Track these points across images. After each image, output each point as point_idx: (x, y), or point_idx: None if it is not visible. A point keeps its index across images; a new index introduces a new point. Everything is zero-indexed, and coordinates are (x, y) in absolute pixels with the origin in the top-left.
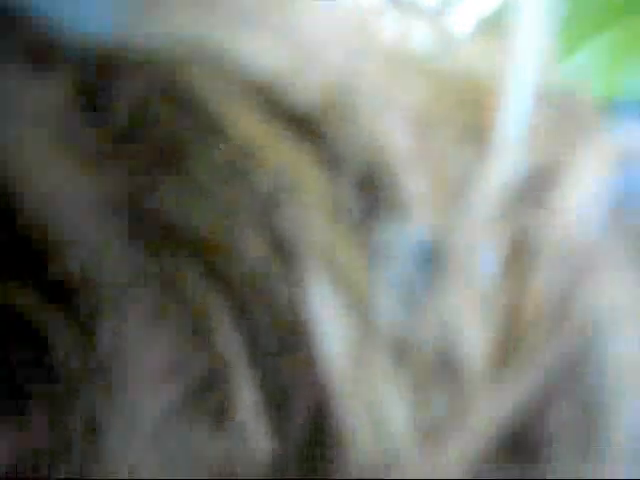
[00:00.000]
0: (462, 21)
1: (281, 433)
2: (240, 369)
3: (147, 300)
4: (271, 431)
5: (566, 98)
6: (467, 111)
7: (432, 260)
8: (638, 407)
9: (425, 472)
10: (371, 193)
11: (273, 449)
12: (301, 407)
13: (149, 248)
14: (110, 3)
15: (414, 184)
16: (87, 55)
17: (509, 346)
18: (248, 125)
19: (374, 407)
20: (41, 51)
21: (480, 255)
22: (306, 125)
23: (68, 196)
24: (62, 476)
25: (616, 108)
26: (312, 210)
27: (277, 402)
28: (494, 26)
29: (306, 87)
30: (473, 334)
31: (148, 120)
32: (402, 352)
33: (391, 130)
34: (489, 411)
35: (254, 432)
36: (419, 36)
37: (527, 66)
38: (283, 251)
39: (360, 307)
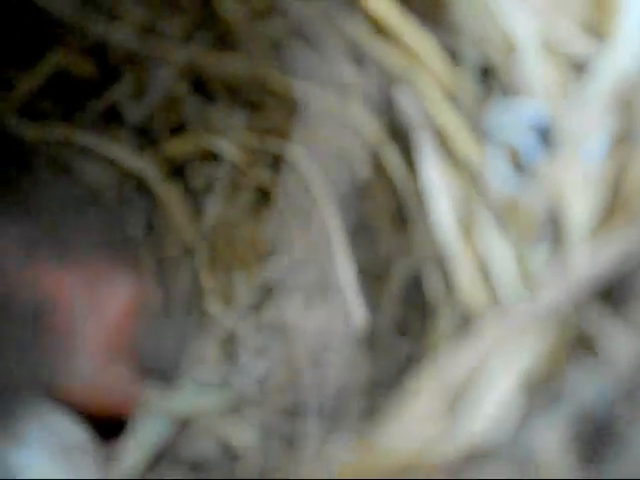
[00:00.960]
0: None
1: (377, 303)
2: (339, 243)
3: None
4: (368, 301)
5: None
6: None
7: (545, 136)
8: None
9: (524, 312)
10: (491, 77)
11: (369, 319)
12: (397, 276)
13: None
14: None
15: (534, 67)
16: None
17: (610, 212)
18: (380, 5)
19: (481, 260)
20: None
21: (590, 134)
22: (432, 10)
23: None
24: None
25: None
26: (430, 88)
27: (374, 273)
28: None
29: None
30: (578, 199)
31: None
32: (510, 212)
33: (514, 16)
34: (587, 266)
35: (352, 303)
36: None
37: None
38: (399, 128)
39: (471, 175)
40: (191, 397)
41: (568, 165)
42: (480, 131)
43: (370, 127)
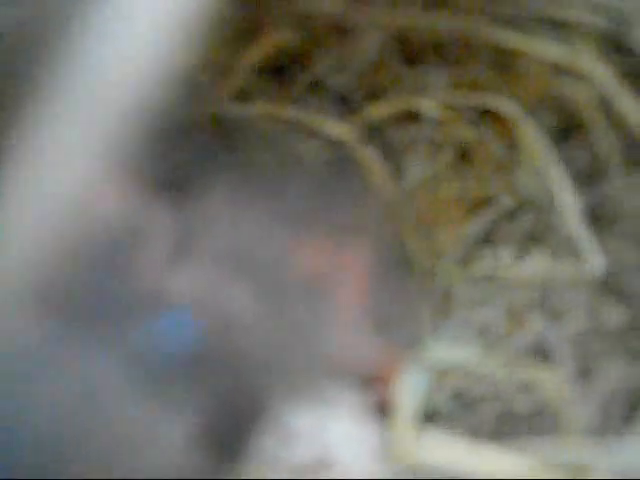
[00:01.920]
0: None
1: (608, 245)
2: (565, 190)
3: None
4: (601, 248)
5: None
6: None
7: None
8: None
9: None
10: None
11: (605, 264)
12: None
13: None
14: None
15: None
16: None
17: None
18: None
19: None
20: None
21: None
22: None
23: None
24: None
25: None
26: None
27: (601, 215)
28: None
29: None
30: None
31: None
32: None
33: None
34: None
35: (586, 249)
36: None
37: None
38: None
39: None
40: (449, 350)
41: None
42: None
43: (600, 71)
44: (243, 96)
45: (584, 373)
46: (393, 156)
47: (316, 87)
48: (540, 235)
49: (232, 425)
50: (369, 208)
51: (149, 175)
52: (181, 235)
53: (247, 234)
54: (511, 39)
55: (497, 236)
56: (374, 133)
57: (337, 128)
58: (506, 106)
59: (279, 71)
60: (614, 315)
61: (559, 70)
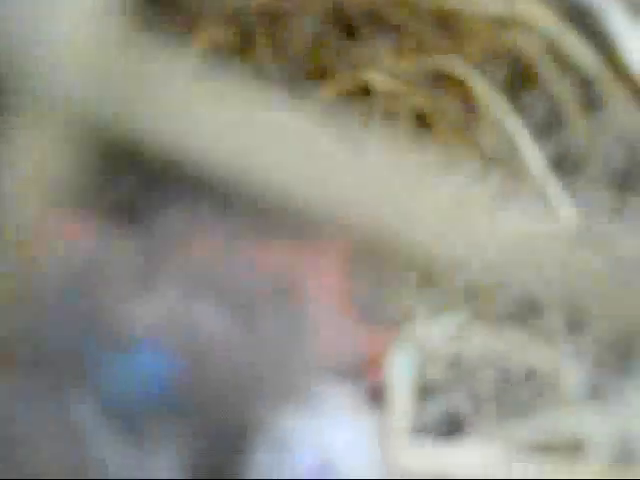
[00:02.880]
0: None
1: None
2: (526, 143)
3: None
4: (566, 195)
5: None
6: None
7: None
8: None
9: None
10: None
11: (574, 216)
12: (595, 163)
13: None
14: None
15: None
16: None
17: None
18: None
19: None
20: None
21: None
22: None
23: None
24: None
25: None
26: None
27: (567, 165)
28: None
29: None
30: None
31: None
32: None
33: None
34: None
35: (555, 199)
36: None
37: None
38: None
39: None
40: (435, 321)
41: None
42: None
43: (542, 17)
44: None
45: (573, 327)
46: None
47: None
48: (510, 193)
49: (222, 448)
50: None
51: (97, 205)
52: (140, 263)
53: (206, 251)
54: None
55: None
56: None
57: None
58: (456, 66)
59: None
60: (593, 262)
61: (503, 23)
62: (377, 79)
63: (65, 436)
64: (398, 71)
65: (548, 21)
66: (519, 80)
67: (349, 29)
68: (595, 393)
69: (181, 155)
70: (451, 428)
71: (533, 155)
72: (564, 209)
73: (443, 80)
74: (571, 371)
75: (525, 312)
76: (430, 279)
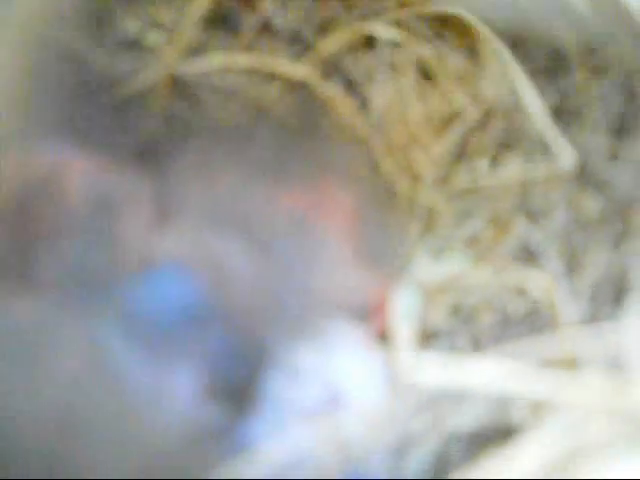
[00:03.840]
0: None
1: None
2: (527, 88)
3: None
4: (568, 139)
5: None
6: None
7: None
8: None
9: None
10: None
11: (573, 161)
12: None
13: None
14: None
15: None
16: None
17: None
18: None
19: None
20: None
21: None
22: None
23: None
24: None
25: None
26: None
27: (568, 109)
28: None
29: None
30: None
31: None
32: None
33: None
34: None
35: (555, 145)
36: None
37: None
38: None
39: None
40: (436, 264)
41: None
42: None
43: None
44: (195, 52)
45: (571, 267)
46: (355, 88)
47: (266, 30)
48: (511, 141)
49: (238, 371)
50: (341, 144)
51: (119, 147)
52: (160, 198)
53: (225, 188)
54: None
55: (470, 149)
56: (332, 68)
57: (294, 68)
58: (459, 12)
59: (226, 20)
60: (592, 205)
61: None
62: (382, 30)
63: (87, 352)
64: (401, 19)
65: None
66: (521, 30)
67: None
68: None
69: None
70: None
71: (534, 102)
72: (563, 153)
73: (446, 32)
74: (568, 305)
75: (525, 256)
76: (433, 225)
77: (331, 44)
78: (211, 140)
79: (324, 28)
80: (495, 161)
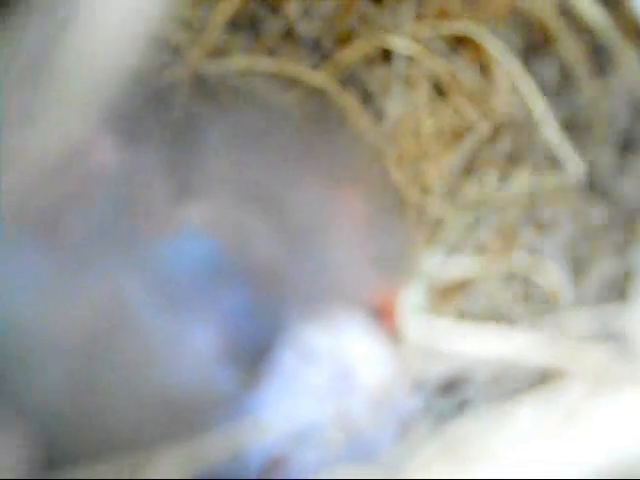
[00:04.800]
0: None
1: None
2: (538, 103)
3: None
4: (576, 151)
5: None
6: None
7: None
8: None
9: None
10: None
11: (582, 172)
12: (602, 122)
13: None
14: None
15: None
16: None
17: None
18: None
19: None
20: None
21: None
22: None
23: None
24: None
25: None
26: None
27: (577, 123)
28: None
29: None
30: None
31: None
32: None
33: None
34: None
35: (564, 156)
36: None
37: None
38: None
39: None
40: (444, 264)
41: None
42: None
43: None
44: (219, 52)
45: (577, 276)
46: (371, 98)
47: (288, 36)
48: (520, 154)
49: (253, 338)
50: (355, 152)
51: (143, 133)
52: (185, 172)
53: (251, 166)
54: None
55: (479, 162)
56: (350, 78)
57: (313, 76)
58: (474, 31)
59: (252, 24)
60: (598, 214)
61: None
62: (399, 43)
63: (108, 305)
64: (419, 35)
65: None
66: (533, 43)
67: None
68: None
69: None
70: None
71: (545, 116)
72: (572, 165)
73: (460, 47)
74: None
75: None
76: (441, 233)
77: (349, 55)
78: (230, 136)
79: (343, 39)
80: (504, 174)
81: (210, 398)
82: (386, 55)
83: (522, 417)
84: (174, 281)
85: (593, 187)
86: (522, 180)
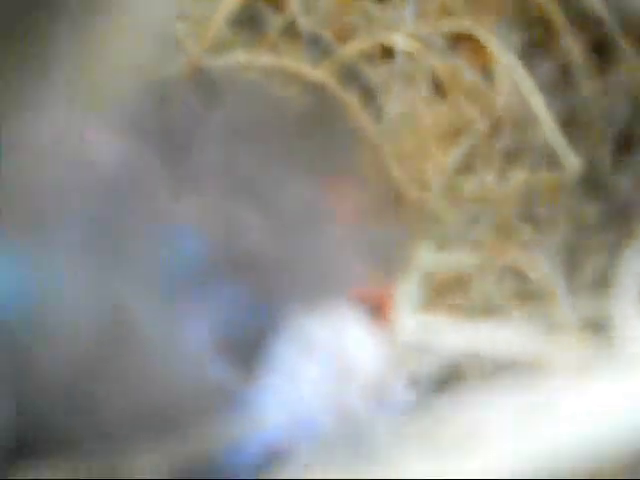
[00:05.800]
0: None
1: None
2: (539, 102)
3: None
4: (574, 149)
5: None
6: None
7: None
8: None
9: None
10: None
11: (578, 169)
12: (599, 119)
13: None
14: None
15: None
16: None
17: None
18: None
19: None
20: None
21: None
22: None
23: None
24: None
25: None
26: None
27: (574, 119)
28: None
29: None
30: None
31: None
32: None
33: None
34: None
35: (562, 154)
36: None
37: None
38: None
39: None
40: (440, 256)
41: None
42: None
43: None
44: (220, 47)
45: (572, 272)
46: (371, 95)
47: (290, 31)
48: (518, 152)
49: (250, 331)
50: (353, 147)
51: (142, 129)
52: (179, 168)
53: (244, 163)
54: None
55: (478, 159)
56: (350, 74)
57: (314, 71)
58: (474, 28)
59: (253, 19)
60: (593, 211)
61: None
62: (399, 41)
63: (104, 300)
64: (420, 33)
65: None
66: (533, 41)
67: None
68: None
69: None
70: None
71: (543, 112)
72: (568, 161)
73: (460, 45)
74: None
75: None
76: (438, 229)
77: (350, 51)
78: (230, 131)
79: (344, 35)
80: (502, 171)
81: (208, 392)
82: (386, 52)
83: (504, 405)
84: (167, 275)
85: (590, 184)
86: (520, 177)
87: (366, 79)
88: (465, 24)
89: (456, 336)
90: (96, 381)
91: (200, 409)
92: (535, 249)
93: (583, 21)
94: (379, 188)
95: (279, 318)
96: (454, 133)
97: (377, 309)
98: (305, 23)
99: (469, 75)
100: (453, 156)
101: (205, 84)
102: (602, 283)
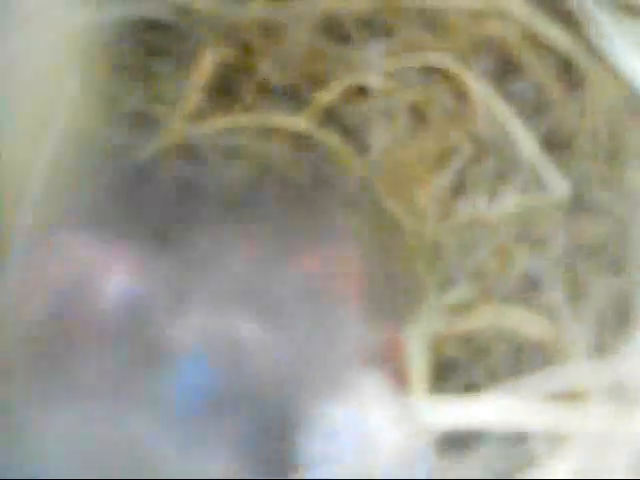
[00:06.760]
0: None
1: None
2: (515, 125)
3: None
4: (561, 173)
5: None
6: None
7: None
8: None
9: None
10: None
11: (567, 191)
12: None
13: None
14: None
15: None
16: None
17: None
18: None
19: None
20: None
21: None
22: None
23: None
24: None
25: None
26: None
27: (555, 142)
28: None
29: None
30: None
31: None
32: None
33: None
34: None
35: (548, 176)
36: None
37: None
38: None
39: None
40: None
41: None
42: None
43: (519, 5)
44: (199, 117)
45: (574, 295)
46: (353, 134)
47: (264, 89)
48: (506, 173)
49: (272, 442)
50: (345, 192)
51: (136, 227)
52: (175, 283)
53: (237, 266)
54: None
55: (468, 183)
56: (329, 117)
57: (293, 121)
58: (444, 61)
59: (227, 85)
60: (590, 230)
61: (482, 15)
62: (373, 80)
63: (125, 444)
64: (391, 70)
65: (521, 8)
66: (504, 67)
67: (343, 35)
68: (596, 353)
69: None
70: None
71: (524, 137)
72: (556, 183)
73: (434, 74)
74: (574, 337)
75: (527, 288)
76: (439, 259)
77: (326, 95)
78: (220, 211)
79: (319, 81)
80: (493, 194)
81: None
82: (363, 90)
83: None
84: (180, 408)
85: (581, 202)
86: (511, 199)
87: (346, 120)
88: (435, 57)
89: (472, 414)
90: None
91: None
92: (536, 275)
93: (548, 47)
94: (376, 227)
95: (299, 417)
96: (441, 159)
97: (388, 359)
98: (278, 79)
99: (446, 101)
100: (443, 181)
101: (191, 155)
102: (609, 309)
